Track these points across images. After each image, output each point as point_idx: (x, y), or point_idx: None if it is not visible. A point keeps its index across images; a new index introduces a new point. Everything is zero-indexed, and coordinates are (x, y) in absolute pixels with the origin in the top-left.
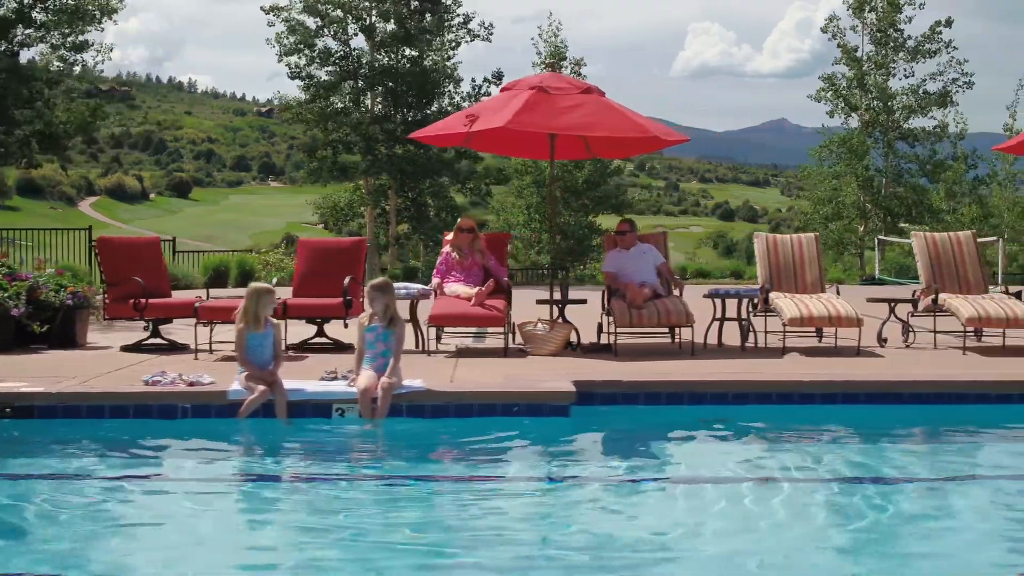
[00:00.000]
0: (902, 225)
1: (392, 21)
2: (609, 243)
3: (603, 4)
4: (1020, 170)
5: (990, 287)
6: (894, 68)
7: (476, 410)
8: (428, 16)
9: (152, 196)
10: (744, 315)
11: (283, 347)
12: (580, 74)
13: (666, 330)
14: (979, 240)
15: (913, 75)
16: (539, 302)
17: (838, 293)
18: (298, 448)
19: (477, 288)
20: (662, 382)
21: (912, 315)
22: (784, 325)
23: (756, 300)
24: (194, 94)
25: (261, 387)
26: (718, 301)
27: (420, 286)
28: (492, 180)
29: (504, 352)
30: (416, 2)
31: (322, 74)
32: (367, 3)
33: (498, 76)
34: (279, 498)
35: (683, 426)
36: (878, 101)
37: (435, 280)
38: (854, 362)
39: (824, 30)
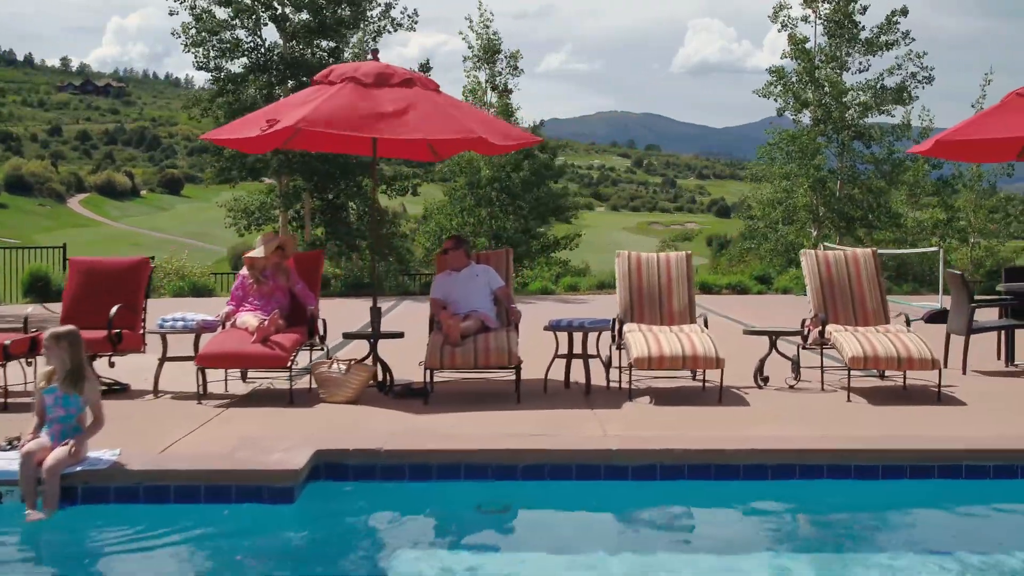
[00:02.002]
0: (859, 232)
1: (305, 11)
2: (439, 264)
3: (603, 0)
4: (987, 171)
5: (925, 306)
6: (848, 62)
7: (173, 494)
8: (346, 6)
9: (143, 193)
10: (598, 351)
11: None
12: (518, 67)
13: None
14: (918, 251)
15: (868, 68)
16: (346, 336)
17: (706, 324)
18: None
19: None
20: (435, 451)
21: (803, 348)
22: (630, 365)
23: (613, 333)
24: (191, 90)
25: None
26: (563, 335)
27: (204, 316)
28: (420, 180)
29: (289, 399)
30: None
31: (234, 67)
32: None
33: (424, 68)
34: None
35: (448, 515)
36: (830, 98)
37: (226, 308)
38: (707, 414)
39: (773, 20)
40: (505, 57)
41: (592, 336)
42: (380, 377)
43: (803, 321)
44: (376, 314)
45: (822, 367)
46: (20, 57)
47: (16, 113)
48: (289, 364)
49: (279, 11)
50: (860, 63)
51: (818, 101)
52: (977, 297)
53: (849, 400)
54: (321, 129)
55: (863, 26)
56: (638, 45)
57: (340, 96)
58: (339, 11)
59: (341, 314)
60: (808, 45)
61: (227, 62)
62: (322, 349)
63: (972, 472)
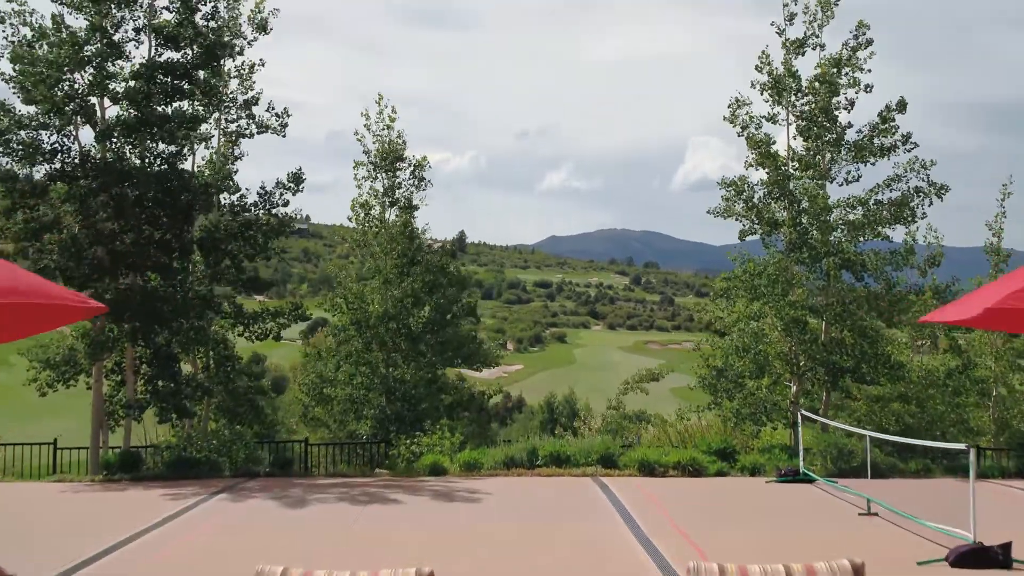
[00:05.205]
0: (850, 387)
1: (122, 103)
2: None
3: (605, 118)
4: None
5: (950, 532)
6: (832, 171)
7: None
8: (188, 100)
9: None
10: None
11: None
12: (423, 179)
13: None
14: (942, 446)
15: (859, 179)
16: None
17: None
18: None
19: None
20: None
21: None
22: None
23: None
24: None
25: None
26: None
27: None
28: (290, 319)
29: None
30: (166, 79)
31: (37, 173)
32: (90, 75)
33: (295, 180)
34: None
35: None
36: (809, 216)
37: None
38: None
39: (731, 121)
40: (410, 165)
41: None
42: None
43: None
44: None
45: None
46: None
47: None
48: None
49: (90, 102)
50: (848, 172)
51: (792, 220)
52: None
53: None
54: None
55: (849, 124)
56: (639, 162)
57: None
58: (167, 105)
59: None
60: (777, 148)
61: (25, 168)
62: None
63: None
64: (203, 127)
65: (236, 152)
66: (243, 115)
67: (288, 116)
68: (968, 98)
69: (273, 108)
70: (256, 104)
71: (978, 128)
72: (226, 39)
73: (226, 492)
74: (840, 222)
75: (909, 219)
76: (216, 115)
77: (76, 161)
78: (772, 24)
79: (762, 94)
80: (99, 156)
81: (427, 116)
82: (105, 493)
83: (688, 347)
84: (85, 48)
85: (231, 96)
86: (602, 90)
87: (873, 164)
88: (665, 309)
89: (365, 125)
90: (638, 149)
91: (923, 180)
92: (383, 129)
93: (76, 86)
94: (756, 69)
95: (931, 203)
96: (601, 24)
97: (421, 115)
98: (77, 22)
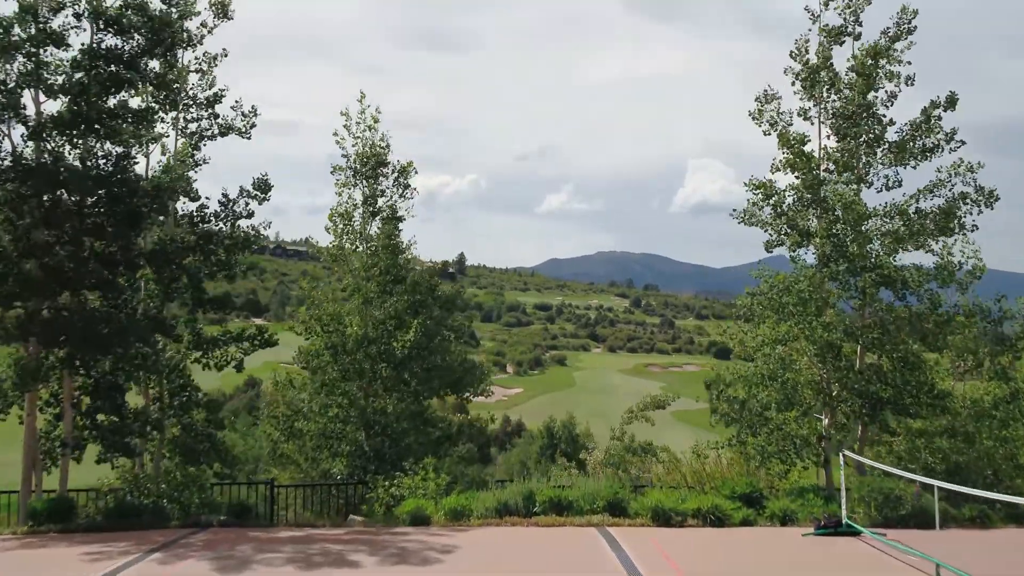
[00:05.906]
0: (890, 420)
1: (60, 95)
2: None
3: (605, 139)
4: None
5: None
6: (869, 174)
7: None
8: (136, 92)
9: None
10: None
11: None
12: (408, 186)
13: None
14: None
15: (899, 184)
16: None
17: None
18: None
19: None
20: None
21: None
22: None
23: None
24: None
25: None
26: None
27: None
28: (259, 343)
29: None
30: (108, 67)
31: None
32: (20, 65)
33: (262, 186)
34: None
35: None
36: (845, 226)
37: None
38: None
39: (756, 117)
40: (394, 171)
41: None
42: None
43: None
44: None
45: None
46: None
47: None
48: None
49: (19, 95)
50: (886, 176)
51: (826, 231)
52: None
53: None
54: None
55: (892, 121)
56: (639, 185)
57: None
58: (109, 98)
59: None
60: (809, 148)
61: None
62: None
63: None
64: (158, 127)
65: (198, 156)
66: (205, 114)
67: (256, 115)
68: (966, 118)
69: (240, 106)
70: (220, 102)
71: (981, 150)
72: (176, 21)
73: (163, 551)
74: (877, 232)
75: (957, 230)
76: (174, 114)
77: (8, 163)
78: (806, 10)
79: (793, 84)
80: (32, 157)
81: (427, 138)
82: (20, 551)
83: (690, 370)
84: (12, 33)
85: (190, 92)
86: (602, 111)
87: (914, 167)
88: (665, 332)
89: (345, 125)
90: (638, 171)
91: (969, 185)
92: (364, 130)
93: (2, 76)
94: (791, 56)
95: (980, 211)
96: (600, 45)
97: (420, 138)
98: (9, 5)
